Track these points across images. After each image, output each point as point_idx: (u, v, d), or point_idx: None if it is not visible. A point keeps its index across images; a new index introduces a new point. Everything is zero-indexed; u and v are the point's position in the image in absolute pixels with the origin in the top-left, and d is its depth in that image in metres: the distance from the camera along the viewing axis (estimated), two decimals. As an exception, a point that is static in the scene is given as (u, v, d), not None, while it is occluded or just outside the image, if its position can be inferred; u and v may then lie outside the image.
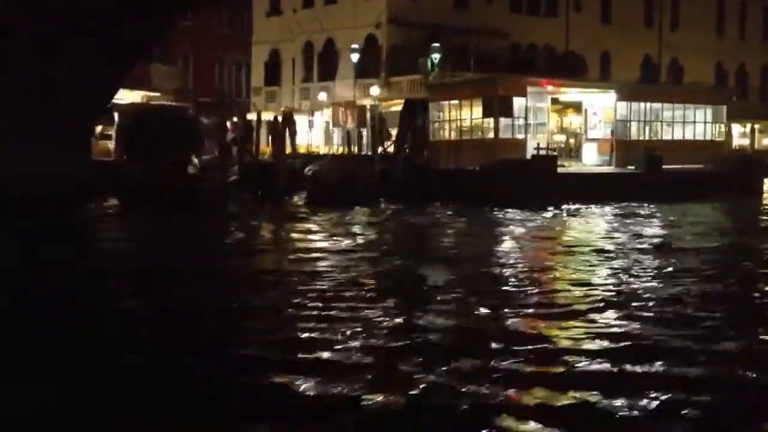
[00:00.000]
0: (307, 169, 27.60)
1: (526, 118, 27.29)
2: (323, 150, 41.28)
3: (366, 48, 43.07)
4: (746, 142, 53.56)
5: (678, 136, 31.17)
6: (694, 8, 55.16)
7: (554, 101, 30.37)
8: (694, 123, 31.46)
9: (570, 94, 29.71)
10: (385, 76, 40.44)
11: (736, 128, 51.67)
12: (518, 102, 26.99)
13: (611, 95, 29.19)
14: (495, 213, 22.04)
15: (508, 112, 26.58)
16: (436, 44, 35.03)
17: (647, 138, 30.05)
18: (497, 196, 23.70)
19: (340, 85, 42.47)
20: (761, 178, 31.22)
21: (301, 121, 44.56)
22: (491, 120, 27.33)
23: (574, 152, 31.84)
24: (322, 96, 41.64)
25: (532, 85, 26.95)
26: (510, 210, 22.40)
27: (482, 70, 34.06)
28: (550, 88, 27.44)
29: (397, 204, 24.67)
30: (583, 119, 31.32)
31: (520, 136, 27.17)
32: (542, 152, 25.42)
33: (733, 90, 35.11)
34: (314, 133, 44.02)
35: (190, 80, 53.31)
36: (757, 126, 54.07)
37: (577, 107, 31.63)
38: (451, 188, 25.20)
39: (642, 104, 29.79)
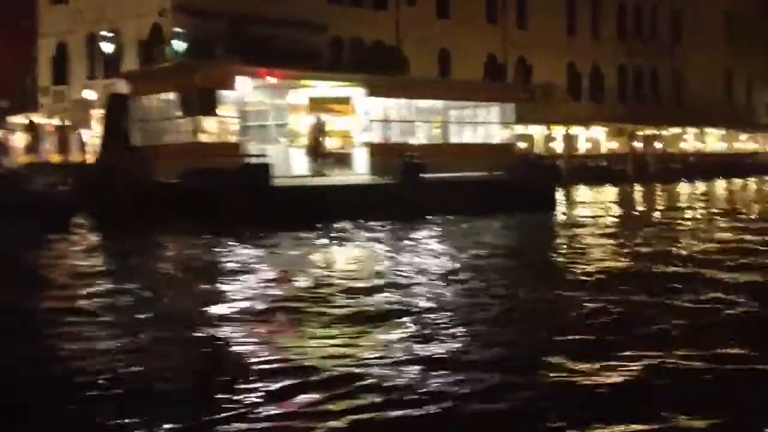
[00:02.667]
0: None
1: (242, 117, 22.07)
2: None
3: (151, 40, 37.87)
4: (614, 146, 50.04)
5: (457, 139, 26.44)
6: (543, 5, 51.38)
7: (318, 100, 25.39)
8: (474, 124, 26.58)
9: (319, 88, 24.60)
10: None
11: (581, 131, 48.04)
12: (231, 96, 21.67)
13: (361, 90, 24.03)
14: (193, 240, 16.78)
15: (211, 108, 21.29)
16: (179, 30, 29.82)
17: (413, 142, 25.05)
18: (194, 217, 18.67)
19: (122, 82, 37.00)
20: (554, 188, 26.73)
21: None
22: (210, 119, 22.03)
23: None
24: (90, 94, 36.08)
25: (244, 74, 21.60)
26: (211, 237, 17.09)
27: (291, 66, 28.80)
28: (272, 79, 22.14)
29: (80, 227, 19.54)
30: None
31: (236, 139, 21.86)
32: (254, 160, 20.31)
33: (520, 85, 30.51)
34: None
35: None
36: (604, 129, 50.56)
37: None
38: (148, 206, 19.96)
39: (404, 101, 24.84)
